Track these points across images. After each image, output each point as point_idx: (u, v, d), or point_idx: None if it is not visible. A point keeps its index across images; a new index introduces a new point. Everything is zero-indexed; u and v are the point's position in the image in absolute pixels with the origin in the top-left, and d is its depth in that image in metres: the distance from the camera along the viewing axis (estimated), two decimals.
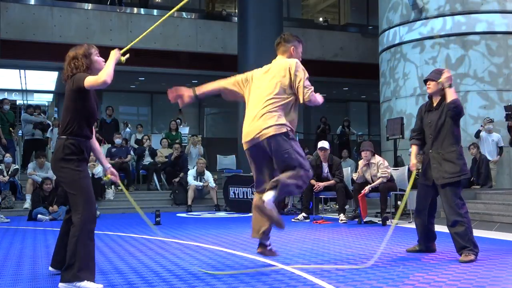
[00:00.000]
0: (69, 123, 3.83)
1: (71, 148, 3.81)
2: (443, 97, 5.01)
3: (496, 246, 5.68)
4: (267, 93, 4.38)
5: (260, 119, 4.31)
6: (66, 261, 3.69)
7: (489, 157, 10.69)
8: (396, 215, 6.36)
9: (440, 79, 4.96)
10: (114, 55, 3.83)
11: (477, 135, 11.04)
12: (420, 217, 5.17)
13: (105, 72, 3.70)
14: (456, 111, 4.88)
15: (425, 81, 5.16)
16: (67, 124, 3.84)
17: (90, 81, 3.74)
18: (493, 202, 9.14)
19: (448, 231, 4.93)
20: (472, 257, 4.68)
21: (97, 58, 4.00)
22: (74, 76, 3.85)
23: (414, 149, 5.38)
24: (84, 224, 3.71)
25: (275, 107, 4.32)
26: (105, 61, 3.91)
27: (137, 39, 4.30)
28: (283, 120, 4.30)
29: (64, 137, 3.83)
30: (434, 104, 5.08)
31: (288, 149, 4.26)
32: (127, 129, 14.80)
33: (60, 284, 3.68)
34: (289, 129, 4.32)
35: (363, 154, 8.55)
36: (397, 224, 8.33)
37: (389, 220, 8.38)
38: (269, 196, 4.14)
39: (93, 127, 4.03)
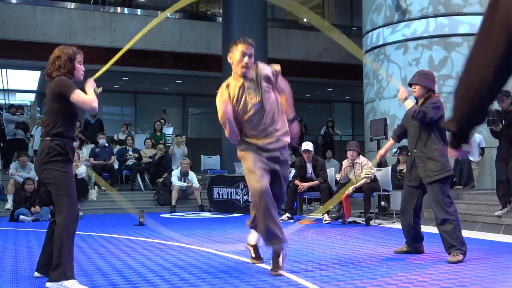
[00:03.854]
0: (54, 124, 3.83)
1: (57, 149, 3.80)
2: (426, 99, 5.07)
3: (478, 246, 5.73)
4: None
5: None
6: (53, 261, 3.72)
7: (471, 158, 10.79)
8: (323, 207, 6.44)
9: (398, 98, 5.12)
10: (89, 84, 3.93)
11: None
12: (406, 218, 5.18)
13: (95, 100, 3.83)
14: (419, 119, 4.94)
15: (410, 85, 5.20)
16: (51, 125, 3.83)
17: (80, 98, 3.78)
18: (475, 202, 9.24)
19: (433, 231, 4.97)
20: (460, 257, 4.71)
21: (78, 65, 4.00)
22: (57, 79, 3.85)
23: (389, 142, 5.64)
24: (68, 224, 3.74)
25: None
26: (83, 70, 4.02)
27: (106, 66, 4.20)
28: None
29: (49, 138, 3.82)
30: (419, 105, 5.13)
31: None
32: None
33: (48, 284, 3.69)
34: None
35: (348, 153, 8.57)
36: (381, 224, 8.39)
37: (373, 220, 8.43)
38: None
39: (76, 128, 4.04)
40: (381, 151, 5.58)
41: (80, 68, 4.01)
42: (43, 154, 3.81)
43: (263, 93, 4.33)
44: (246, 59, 4.28)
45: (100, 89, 4.02)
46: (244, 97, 4.31)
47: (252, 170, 4.23)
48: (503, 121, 7.64)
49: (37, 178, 10.46)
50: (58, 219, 3.76)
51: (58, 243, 3.71)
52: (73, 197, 3.82)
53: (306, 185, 9.10)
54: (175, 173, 11.94)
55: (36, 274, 4.20)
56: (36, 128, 13.95)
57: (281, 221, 8.92)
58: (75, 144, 12.04)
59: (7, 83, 18.74)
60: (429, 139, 4.98)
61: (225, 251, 5.54)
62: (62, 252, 3.68)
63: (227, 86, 4.38)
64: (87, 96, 3.82)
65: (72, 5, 16.35)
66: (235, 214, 10.16)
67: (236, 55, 4.31)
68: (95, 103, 3.82)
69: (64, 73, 3.89)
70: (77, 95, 3.78)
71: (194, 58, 17.03)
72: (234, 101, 4.32)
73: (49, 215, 8.37)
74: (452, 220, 4.81)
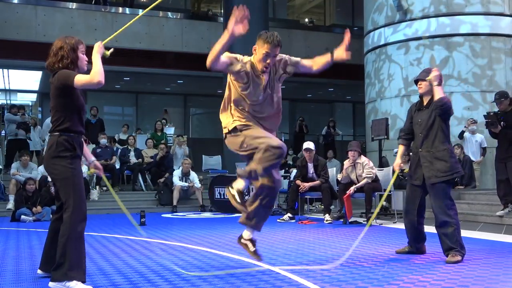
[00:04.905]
0: (60, 120, 3.77)
1: (65, 145, 3.75)
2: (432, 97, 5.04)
3: (480, 246, 5.73)
4: None
5: None
6: (56, 260, 3.65)
7: (472, 158, 10.78)
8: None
9: (429, 77, 4.98)
10: (98, 49, 3.76)
11: (461, 135, 11.14)
12: (409, 218, 5.16)
13: (98, 72, 3.61)
14: (444, 109, 4.88)
15: (416, 82, 5.16)
16: (58, 120, 3.78)
17: (81, 80, 3.65)
18: (476, 202, 9.23)
19: (434, 231, 4.94)
20: (459, 257, 4.69)
21: (82, 55, 3.92)
22: (58, 73, 3.76)
23: (400, 149, 5.35)
24: (74, 223, 3.66)
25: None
26: (89, 60, 3.88)
27: (120, 30, 4.31)
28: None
29: (57, 133, 3.77)
30: (425, 103, 5.08)
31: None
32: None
33: (50, 284, 3.64)
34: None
35: (350, 154, 8.57)
36: (382, 224, 8.39)
37: (374, 221, 8.42)
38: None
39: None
40: (398, 160, 5.22)
41: (84, 58, 3.91)
42: (52, 148, 3.76)
43: (275, 83, 4.38)
44: (268, 60, 4.27)
45: (110, 51, 3.88)
46: (258, 81, 4.29)
47: (263, 135, 4.18)
48: (502, 122, 7.64)
49: (38, 178, 10.50)
50: (65, 217, 3.68)
51: (62, 242, 3.63)
52: (80, 194, 3.74)
53: (307, 185, 9.10)
54: (177, 173, 11.95)
55: (39, 271, 4.16)
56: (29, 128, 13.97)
57: (282, 221, 8.94)
58: None
59: (9, 83, 18.78)
60: (436, 138, 4.93)
61: (226, 251, 5.54)
62: (66, 252, 3.60)
63: (245, 62, 4.30)
64: (87, 76, 3.63)
65: (73, 5, 16.36)
66: (236, 214, 10.15)
67: (260, 53, 4.28)
68: (100, 77, 3.58)
69: (67, 64, 3.80)
70: (79, 79, 3.63)
71: (195, 58, 16.97)
72: (246, 80, 4.26)
73: (51, 215, 8.36)
74: (452, 223, 4.78)
